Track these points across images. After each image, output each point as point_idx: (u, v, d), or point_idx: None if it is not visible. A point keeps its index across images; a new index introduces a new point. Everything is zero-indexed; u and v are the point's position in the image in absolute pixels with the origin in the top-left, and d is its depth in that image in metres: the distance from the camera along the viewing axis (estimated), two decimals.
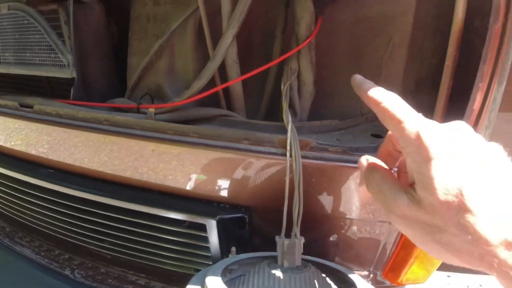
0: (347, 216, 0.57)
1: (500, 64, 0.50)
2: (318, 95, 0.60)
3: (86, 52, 0.68)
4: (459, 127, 0.34)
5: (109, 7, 0.72)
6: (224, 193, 0.59)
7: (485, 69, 0.50)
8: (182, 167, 0.58)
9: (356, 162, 0.54)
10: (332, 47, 0.56)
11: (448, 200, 0.30)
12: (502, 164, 0.32)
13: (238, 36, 0.57)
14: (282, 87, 0.57)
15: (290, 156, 0.52)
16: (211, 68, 0.56)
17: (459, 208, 0.30)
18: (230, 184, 0.57)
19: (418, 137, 0.32)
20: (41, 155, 0.70)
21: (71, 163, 0.68)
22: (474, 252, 0.30)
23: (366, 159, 0.40)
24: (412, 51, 0.62)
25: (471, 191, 0.30)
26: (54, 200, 0.70)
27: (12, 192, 0.77)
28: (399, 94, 0.35)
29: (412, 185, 0.33)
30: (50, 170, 0.70)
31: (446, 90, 0.53)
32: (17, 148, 0.73)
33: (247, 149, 0.54)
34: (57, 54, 0.61)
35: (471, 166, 0.31)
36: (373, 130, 0.61)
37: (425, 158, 0.31)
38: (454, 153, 0.31)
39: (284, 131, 0.54)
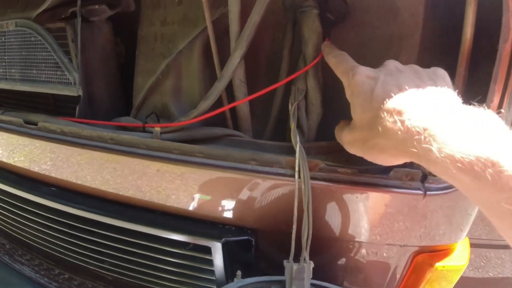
0: (356, 239, 0.55)
1: (510, 83, 0.49)
2: (326, 116, 0.59)
3: (92, 70, 0.68)
4: (386, 64, 0.46)
5: (117, 27, 0.71)
6: (230, 215, 0.57)
7: (495, 89, 0.49)
8: (188, 188, 0.56)
9: (366, 183, 0.53)
10: None
11: (365, 114, 0.43)
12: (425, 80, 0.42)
13: (246, 56, 0.57)
14: (290, 107, 0.56)
15: (299, 177, 0.51)
16: (219, 88, 0.55)
17: (373, 117, 0.41)
18: (236, 206, 0.56)
19: (351, 79, 0.45)
20: (43, 172, 0.69)
21: (74, 181, 0.66)
22: (389, 142, 0.40)
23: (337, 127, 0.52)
24: None
25: (384, 105, 0.40)
26: (55, 219, 0.68)
27: (13, 210, 0.75)
28: None
29: None
30: (52, 188, 0.69)
31: None
32: (19, 165, 0.72)
33: (255, 170, 0.52)
34: (64, 72, 0.60)
35: (383, 92, 0.41)
36: None
37: (352, 92, 0.45)
38: (371, 85, 0.43)
39: (291, 151, 0.53)
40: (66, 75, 0.60)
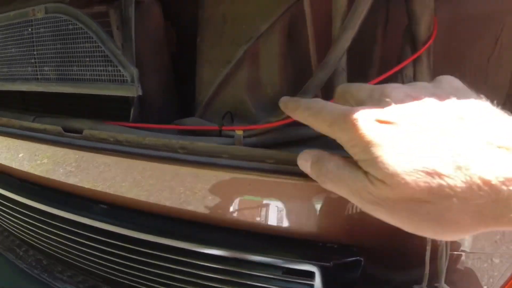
0: None
1: None
2: None
3: (142, 63, 0.51)
4: (389, 94, 0.28)
5: (165, 9, 0.55)
6: (334, 231, 0.43)
7: None
8: (284, 201, 0.42)
9: None
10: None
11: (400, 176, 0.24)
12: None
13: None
14: None
15: None
16: (321, 79, 0.40)
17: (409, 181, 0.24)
18: (342, 220, 0.42)
19: (345, 128, 0.27)
20: (90, 187, 0.53)
21: (127, 196, 0.51)
22: (463, 207, 0.23)
23: (308, 155, 0.34)
24: None
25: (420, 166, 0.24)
26: (102, 240, 0.53)
27: (54, 230, 0.60)
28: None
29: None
30: (102, 205, 0.53)
31: None
32: (62, 179, 0.55)
33: None
34: (117, 67, 0.44)
35: (414, 146, 0.24)
36: None
37: (353, 145, 0.27)
38: (388, 135, 0.25)
39: None
40: (120, 71, 0.44)
